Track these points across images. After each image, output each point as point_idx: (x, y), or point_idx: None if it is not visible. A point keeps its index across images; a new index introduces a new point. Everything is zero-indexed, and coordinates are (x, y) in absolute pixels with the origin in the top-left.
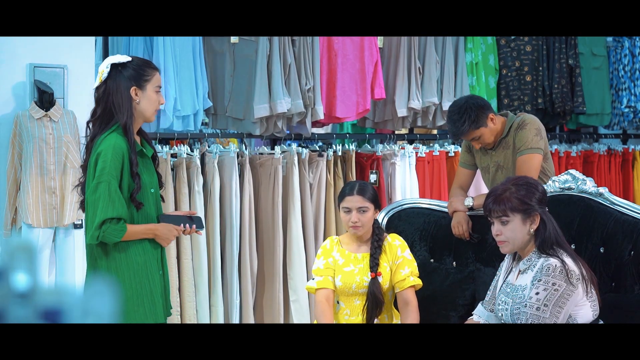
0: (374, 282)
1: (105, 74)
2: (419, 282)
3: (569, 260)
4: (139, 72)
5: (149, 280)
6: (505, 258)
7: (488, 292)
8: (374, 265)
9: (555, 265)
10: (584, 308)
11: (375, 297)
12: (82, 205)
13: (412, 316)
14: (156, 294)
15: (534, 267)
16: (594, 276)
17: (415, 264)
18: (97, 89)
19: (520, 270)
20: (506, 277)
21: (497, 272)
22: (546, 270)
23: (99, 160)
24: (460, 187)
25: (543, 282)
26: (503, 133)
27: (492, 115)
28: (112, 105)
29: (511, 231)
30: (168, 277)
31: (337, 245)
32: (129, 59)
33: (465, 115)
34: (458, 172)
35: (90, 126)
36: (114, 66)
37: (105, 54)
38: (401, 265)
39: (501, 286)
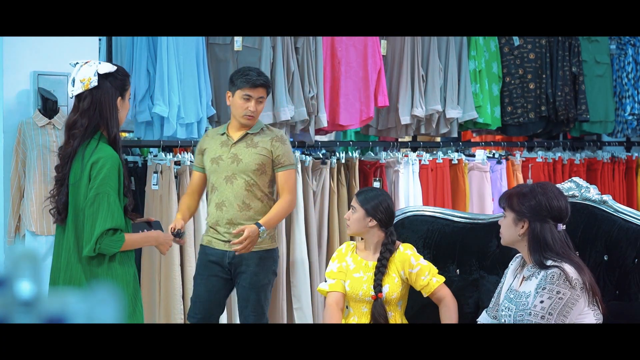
0: (375, 304)
1: (95, 82)
2: (441, 279)
3: (569, 269)
4: (123, 82)
5: (135, 290)
6: (510, 264)
7: (492, 299)
8: (377, 285)
9: (560, 273)
10: (587, 317)
11: (376, 321)
12: (58, 216)
13: (450, 309)
14: (140, 301)
15: (538, 274)
16: (597, 289)
17: (432, 265)
18: (81, 98)
19: (524, 277)
20: (511, 283)
21: (502, 279)
22: (550, 278)
23: (95, 171)
24: (192, 192)
25: (547, 290)
26: (252, 129)
27: None
28: (100, 116)
29: (504, 226)
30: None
31: (351, 250)
32: (115, 67)
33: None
34: (192, 176)
35: (72, 137)
36: (102, 76)
37: (109, 62)
38: (420, 272)
39: (505, 292)
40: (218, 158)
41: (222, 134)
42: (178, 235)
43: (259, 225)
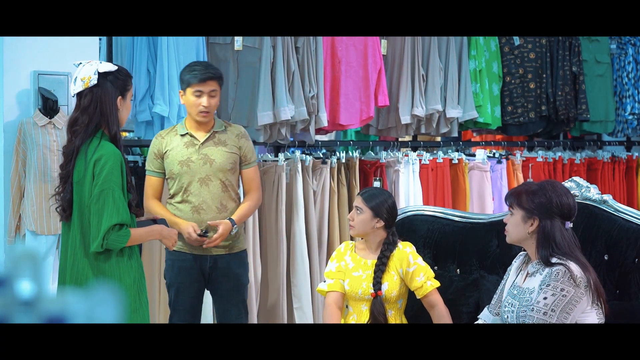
0: (375, 302)
1: (95, 81)
2: (436, 284)
3: (574, 267)
4: (124, 81)
5: (140, 285)
6: (514, 261)
7: (494, 296)
8: (376, 283)
9: (565, 271)
10: (590, 316)
11: (375, 319)
12: (63, 214)
13: (442, 316)
14: (146, 295)
15: (543, 271)
16: (602, 289)
17: (429, 268)
18: (82, 95)
19: (528, 273)
20: (514, 279)
21: (505, 276)
22: (555, 276)
23: (98, 168)
24: (154, 197)
25: (551, 287)
26: (216, 127)
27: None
28: (100, 114)
29: (511, 224)
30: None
31: (351, 249)
32: (116, 67)
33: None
34: (150, 182)
35: (74, 135)
36: (102, 74)
37: (110, 62)
38: (416, 272)
39: (509, 288)
40: (187, 160)
41: (184, 135)
42: (205, 235)
43: (232, 222)
